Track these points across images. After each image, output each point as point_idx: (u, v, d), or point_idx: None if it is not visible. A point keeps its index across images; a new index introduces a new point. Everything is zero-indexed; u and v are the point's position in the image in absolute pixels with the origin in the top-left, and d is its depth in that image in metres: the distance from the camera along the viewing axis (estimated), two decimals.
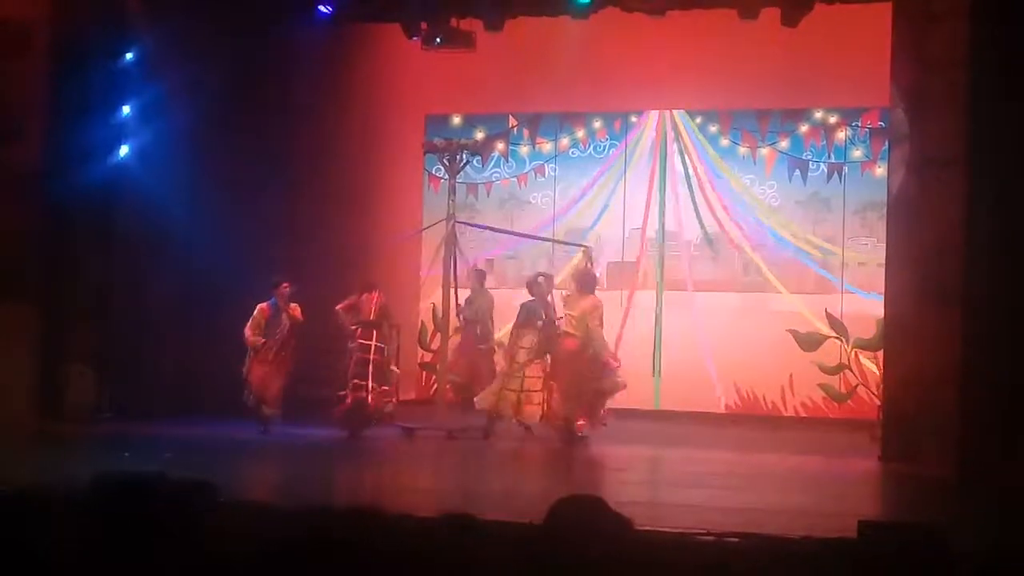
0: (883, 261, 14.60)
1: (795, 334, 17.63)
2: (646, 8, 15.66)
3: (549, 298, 15.56)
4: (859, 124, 17.77)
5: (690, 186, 18.46)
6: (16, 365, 14.95)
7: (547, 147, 19.09)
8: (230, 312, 16.34)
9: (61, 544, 4.42)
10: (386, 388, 15.23)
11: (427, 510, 4.62)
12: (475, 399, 15.61)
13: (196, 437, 14.30)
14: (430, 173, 18.97)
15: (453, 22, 16.73)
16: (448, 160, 16.27)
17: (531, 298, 15.55)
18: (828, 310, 17.57)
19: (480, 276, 17.79)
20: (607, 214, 18.75)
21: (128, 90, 16.08)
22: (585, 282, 15.28)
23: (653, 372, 18.27)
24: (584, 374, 14.68)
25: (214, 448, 13.53)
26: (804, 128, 18.02)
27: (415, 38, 16.96)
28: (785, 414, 17.78)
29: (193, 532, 4.57)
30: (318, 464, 13.24)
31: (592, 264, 16.27)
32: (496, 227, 17.63)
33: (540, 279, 15.75)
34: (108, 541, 4.42)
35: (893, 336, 13.84)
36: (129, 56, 16.05)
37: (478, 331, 17.29)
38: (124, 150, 16.04)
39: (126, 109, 16.06)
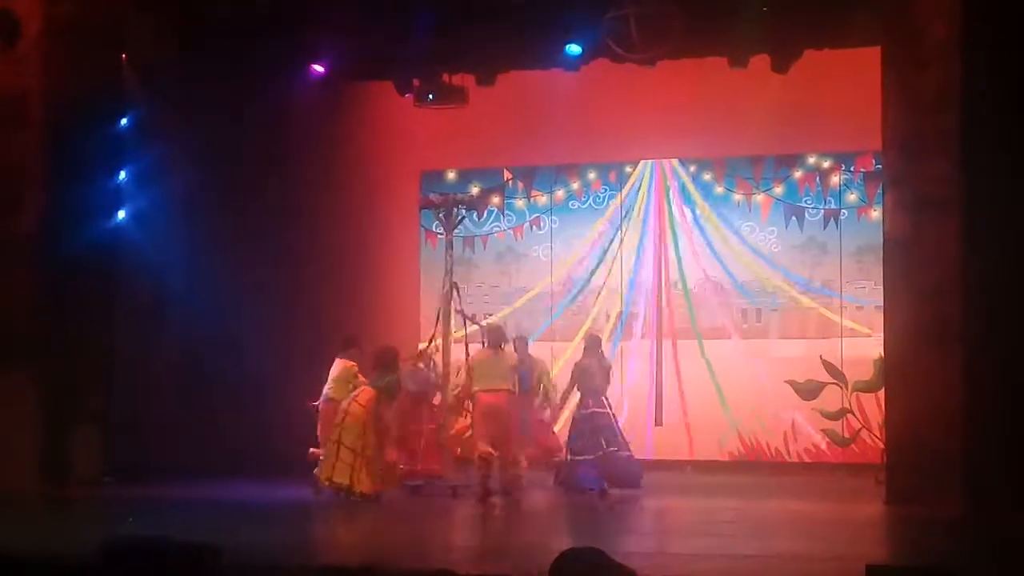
0: (880, 304, 14.61)
1: (794, 384, 17.58)
2: (636, 59, 15.73)
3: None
4: (853, 168, 17.80)
5: (687, 234, 18.48)
6: (20, 429, 14.95)
7: (543, 199, 19.08)
8: (231, 372, 16.37)
9: None
10: None
11: (424, 565, 4.63)
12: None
13: (201, 499, 14.25)
14: (427, 229, 18.98)
15: (445, 78, 16.85)
16: (444, 215, 16.29)
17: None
18: (824, 357, 17.53)
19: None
20: (605, 264, 18.77)
21: (125, 155, 16.14)
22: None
23: (655, 421, 18.23)
24: None
25: (219, 510, 13.48)
26: (798, 173, 18.04)
27: (408, 95, 17.08)
28: (789, 460, 17.73)
29: None
30: (320, 524, 13.21)
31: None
32: (472, 318, 16.55)
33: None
34: None
35: (893, 378, 13.81)
36: (124, 121, 16.13)
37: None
38: (122, 214, 16.10)
39: (123, 174, 16.13)
